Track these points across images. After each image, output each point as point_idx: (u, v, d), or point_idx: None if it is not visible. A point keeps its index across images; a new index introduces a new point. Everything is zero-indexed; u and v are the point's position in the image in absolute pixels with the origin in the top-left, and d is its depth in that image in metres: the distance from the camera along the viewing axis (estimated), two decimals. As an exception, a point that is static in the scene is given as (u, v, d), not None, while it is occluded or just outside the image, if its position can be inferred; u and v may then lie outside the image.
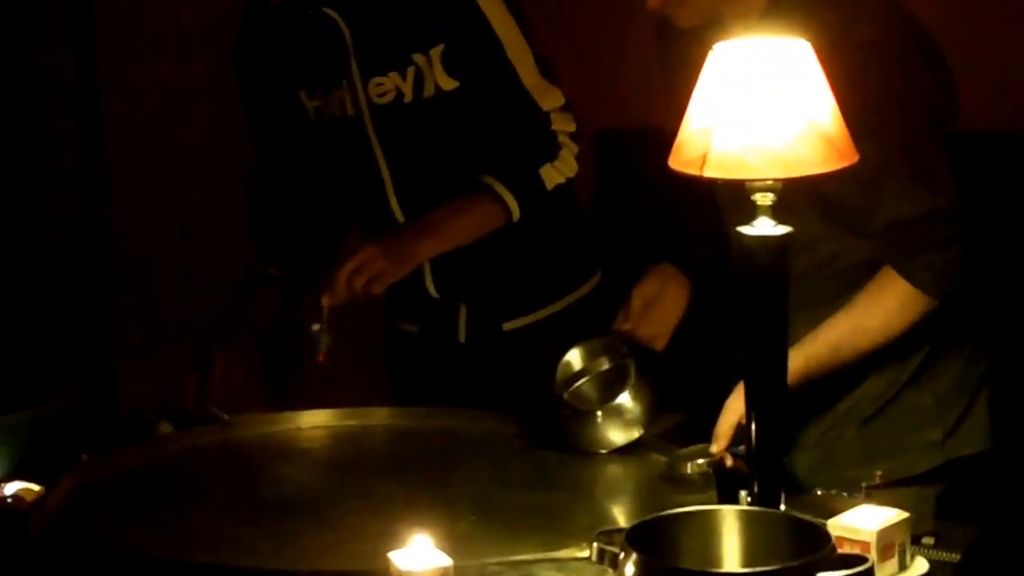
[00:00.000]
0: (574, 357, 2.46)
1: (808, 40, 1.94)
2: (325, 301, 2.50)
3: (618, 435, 2.41)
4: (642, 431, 2.41)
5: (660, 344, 2.54)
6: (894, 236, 2.25)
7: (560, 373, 2.45)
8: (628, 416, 2.41)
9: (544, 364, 2.46)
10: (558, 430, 2.44)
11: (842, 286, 2.33)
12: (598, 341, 2.47)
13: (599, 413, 2.42)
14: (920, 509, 2.24)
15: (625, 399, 2.41)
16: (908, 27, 2.31)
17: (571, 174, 2.69)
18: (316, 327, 2.50)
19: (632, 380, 2.41)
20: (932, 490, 2.37)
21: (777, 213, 1.93)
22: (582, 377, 2.44)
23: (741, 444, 2.20)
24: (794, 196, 1.95)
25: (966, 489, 2.40)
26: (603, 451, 2.40)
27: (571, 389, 2.43)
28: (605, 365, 2.43)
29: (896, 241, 2.25)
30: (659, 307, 2.54)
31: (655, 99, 2.41)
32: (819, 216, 2.31)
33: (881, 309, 2.28)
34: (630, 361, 2.42)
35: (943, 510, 2.33)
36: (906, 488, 2.30)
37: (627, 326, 2.52)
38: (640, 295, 2.54)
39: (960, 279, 2.26)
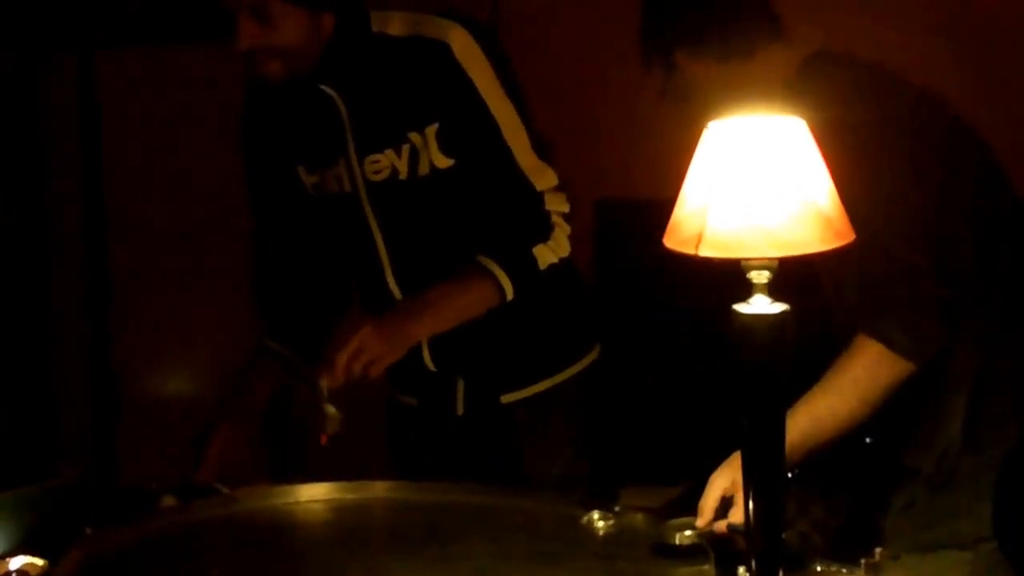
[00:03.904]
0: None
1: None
2: (324, 383, 2.51)
3: None
4: None
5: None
6: (865, 294, 2.25)
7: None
8: None
9: (543, 437, 2.43)
10: None
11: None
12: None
13: None
14: None
15: None
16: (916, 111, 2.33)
17: (564, 254, 2.68)
18: (332, 410, 2.52)
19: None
20: (978, 560, 2.37)
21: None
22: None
23: (724, 518, 2.22)
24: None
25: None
26: None
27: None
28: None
29: (866, 300, 2.25)
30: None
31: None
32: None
33: (850, 373, 2.27)
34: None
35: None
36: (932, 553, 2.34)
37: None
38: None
39: (935, 344, 2.24)
